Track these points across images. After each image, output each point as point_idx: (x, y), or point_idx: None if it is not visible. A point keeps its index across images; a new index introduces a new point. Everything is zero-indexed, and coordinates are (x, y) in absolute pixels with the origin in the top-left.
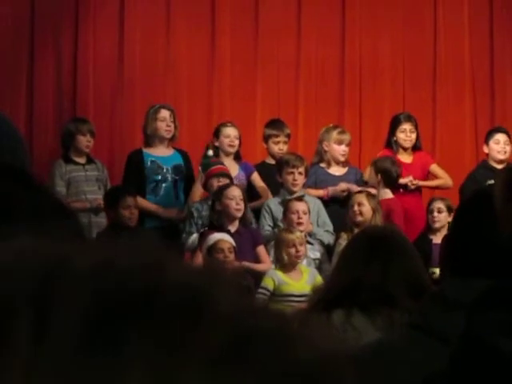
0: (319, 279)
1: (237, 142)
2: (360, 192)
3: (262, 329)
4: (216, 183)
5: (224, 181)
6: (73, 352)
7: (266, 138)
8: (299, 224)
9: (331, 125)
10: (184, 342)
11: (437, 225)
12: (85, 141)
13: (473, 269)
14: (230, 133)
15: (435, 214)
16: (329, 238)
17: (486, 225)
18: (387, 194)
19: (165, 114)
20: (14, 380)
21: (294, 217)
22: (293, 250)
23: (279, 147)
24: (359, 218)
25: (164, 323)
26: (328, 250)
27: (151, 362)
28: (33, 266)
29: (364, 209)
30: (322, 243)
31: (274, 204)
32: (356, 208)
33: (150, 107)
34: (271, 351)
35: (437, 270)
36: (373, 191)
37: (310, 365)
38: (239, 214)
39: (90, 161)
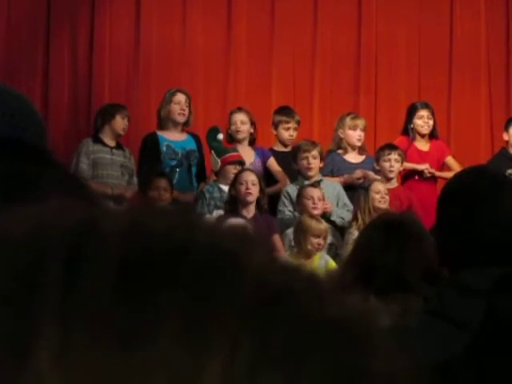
0: (332, 264)
1: (244, 128)
2: (379, 180)
3: (292, 288)
4: (233, 170)
5: (239, 168)
6: (103, 303)
7: (276, 124)
8: (314, 209)
9: (346, 113)
10: (213, 300)
11: None
12: (122, 123)
13: (486, 258)
14: (236, 118)
15: None
16: (349, 217)
17: (501, 214)
18: (392, 183)
19: (180, 97)
20: (46, 328)
21: (309, 202)
22: (316, 241)
23: (289, 133)
24: (382, 206)
25: (193, 282)
26: (343, 230)
27: (181, 318)
28: (65, 225)
29: (387, 197)
30: (342, 221)
31: (292, 190)
32: (378, 196)
33: (168, 91)
34: (301, 310)
35: None
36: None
37: (340, 325)
38: (250, 198)
39: (118, 146)
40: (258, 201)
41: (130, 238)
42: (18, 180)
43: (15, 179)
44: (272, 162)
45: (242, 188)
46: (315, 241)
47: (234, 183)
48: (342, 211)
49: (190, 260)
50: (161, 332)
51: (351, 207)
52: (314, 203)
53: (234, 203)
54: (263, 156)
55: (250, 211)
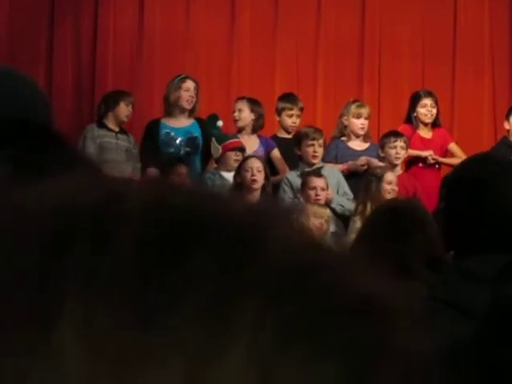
0: None
1: (242, 116)
2: (388, 169)
3: (319, 262)
4: (233, 156)
5: (240, 155)
6: (128, 280)
7: (280, 111)
8: (317, 200)
9: (352, 99)
10: (240, 274)
11: None
12: (126, 110)
13: (491, 245)
14: (235, 107)
15: None
16: (349, 205)
17: (506, 201)
18: (397, 171)
19: (190, 85)
20: (71, 304)
21: (312, 193)
22: (318, 223)
23: (292, 120)
24: (390, 196)
25: (219, 257)
26: (345, 219)
27: (205, 296)
28: (91, 199)
29: (396, 188)
30: (342, 208)
31: (293, 177)
32: (389, 187)
33: (176, 76)
34: (331, 284)
35: None
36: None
37: (366, 300)
38: (255, 185)
39: (122, 131)
40: (263, 188)
41: (153, 213)
42: (27, 161)
43: (24, 160)
44: (276, 153)
45: (248, 175)
46: (317, 222)
47: (239, 170)
48: (342, 199)
49: (216, 233)
50: (185, 311)
51: (351, 196)
52: (316, 194)
53: (239, 190)
54: (267, 146)
55: (255, 198)
